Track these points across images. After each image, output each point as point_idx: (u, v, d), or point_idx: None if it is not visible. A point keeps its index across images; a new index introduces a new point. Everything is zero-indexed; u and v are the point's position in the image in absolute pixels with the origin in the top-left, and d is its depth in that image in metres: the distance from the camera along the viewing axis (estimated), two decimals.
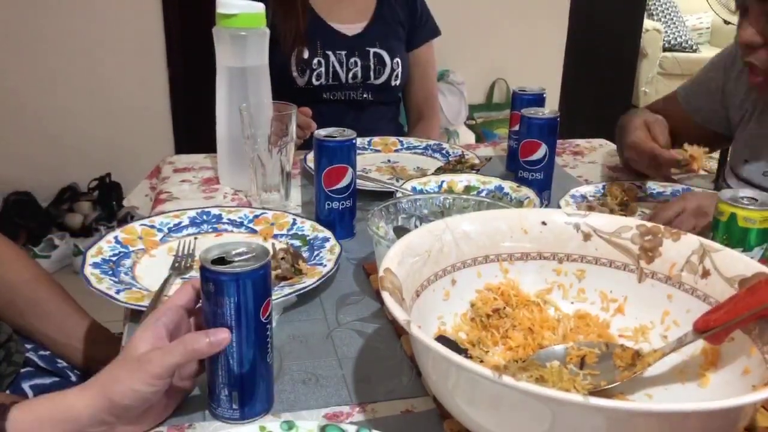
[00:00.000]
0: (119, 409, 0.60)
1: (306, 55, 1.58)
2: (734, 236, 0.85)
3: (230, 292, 0.62)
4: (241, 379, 0.64)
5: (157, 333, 0.63)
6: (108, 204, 2.89)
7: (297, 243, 0.99)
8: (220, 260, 0.63)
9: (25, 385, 0.95)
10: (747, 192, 0.90)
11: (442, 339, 0.71)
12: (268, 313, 0.64)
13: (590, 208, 1.13)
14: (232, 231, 1.03)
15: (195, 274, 0.92)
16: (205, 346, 0.62)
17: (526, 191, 1.07)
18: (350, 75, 1.61)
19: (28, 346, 1.00)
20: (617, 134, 1.38)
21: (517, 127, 1.26)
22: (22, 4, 2.73)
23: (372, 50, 1.62)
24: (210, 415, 0.67)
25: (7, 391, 0.93)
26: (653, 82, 5.17)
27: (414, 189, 1.09)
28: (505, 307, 0.76)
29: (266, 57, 1.22)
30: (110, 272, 0.88)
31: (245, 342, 0.63)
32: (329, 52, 1.59)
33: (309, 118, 1.40)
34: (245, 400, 0.65)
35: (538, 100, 1.31)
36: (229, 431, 0.60)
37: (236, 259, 0.64)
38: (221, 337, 0.62)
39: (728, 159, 1.28)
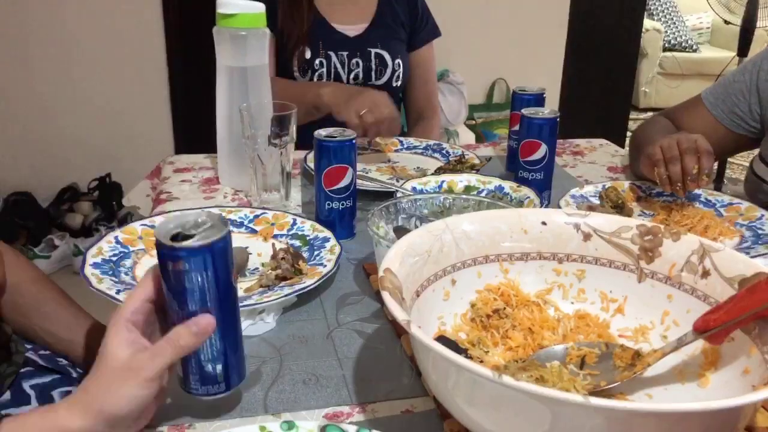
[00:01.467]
0: (115, 419, 0.59)
1: (308, 55, 1.58)
2: None
3: (206, 266, 0.58)
4: (225, 351, 0.62)
5: (133, 335, 0.60)
6: (108, 204, 2.89)
7: (297, 243, 0.99)
8: (179, 236, 0.59)
9: (26, 385, 0.94)
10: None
11: (442, 339, 0.71)
12: (235, 278, 0.62)
13: (590, 208, 1.13)
14: (232, 231, 1.03)
15: None
16: (193, 339, 0.59)
17: (526, 191, 1.07)
18: (352, 76, 1.61)
19: (28, 346, 1.00)
20: (636, 143, 1.34)
21: (517, 127, 1.26)
22: (21, 5, 2.73)
23: (373, 51, 1.62)
24: (194, 396, 0.64)
25: (8, 392, 0.93)
26: (653, 82, 5.18)
27: (414, 189, 1.09)
28: (505, 308, 0.76)
29: (266, 57, 1.22)
30: (110, 272, 0.88)
31: (227, 312, 0.61)
32: (331, 53, 1.59)
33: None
34: (230, 371, 0.64)
35: (538, 100, 1.31)
36: (229, 431, 0.60)
37: (195, 231, 0.60)
38: (205, 323, 0.59)
39: (759, 149, 1.26)
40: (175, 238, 0.59)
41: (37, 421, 0.60)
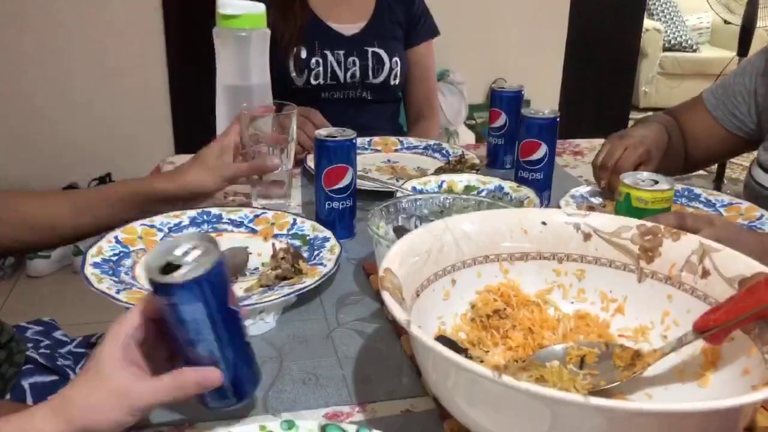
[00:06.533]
0: None
1: (304, 54, 1.58)
2: (630, 217, 0.84)
3: (196, 298, 0.57)
4: (235, 366, 0.62)
5: (130, 353, 0.60)
6: None
7: (297, 243, 0.99)
8: (169, 266, 0.57)
9: (25, 383, 0.95)
10: (653, 175, 0.92)
11: (442, 339, 0.71)
12: (235, 299, 0.61)
13: (590, 208, 1.13)
14: (232, 231, 1.03)
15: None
16: (196, 389, 0.60)
17: (526, 191, 1.07)
18: (348, 74, 1.61)
19: (29, 345, 1.00)
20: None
21: (497, 124, 1.36)
22: (19, 5, 2.73)
23: (370, 50, 1.62)
24: (205, 411, 0.65)
25: (8, 394, 0.93)
26: (653, 82, 5.18)
27: (414, 189, 1.09)
28: (505, 308, 0.76)
29: (267, 57, 1.22)
30: (110, 272, 0.88)
31: (229, 331, 0.61)
32: (327, 52, 1.59)
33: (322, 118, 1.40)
34: (242, 383, 0.64)
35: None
36: (229, 430, 0.60)
37: (185, 260, 0.57)
38: (212, 378, 0.60)
39: (757, 155, 1.26)
40: (166, 267, 0.57)
41: (9, 427, 0.57)
